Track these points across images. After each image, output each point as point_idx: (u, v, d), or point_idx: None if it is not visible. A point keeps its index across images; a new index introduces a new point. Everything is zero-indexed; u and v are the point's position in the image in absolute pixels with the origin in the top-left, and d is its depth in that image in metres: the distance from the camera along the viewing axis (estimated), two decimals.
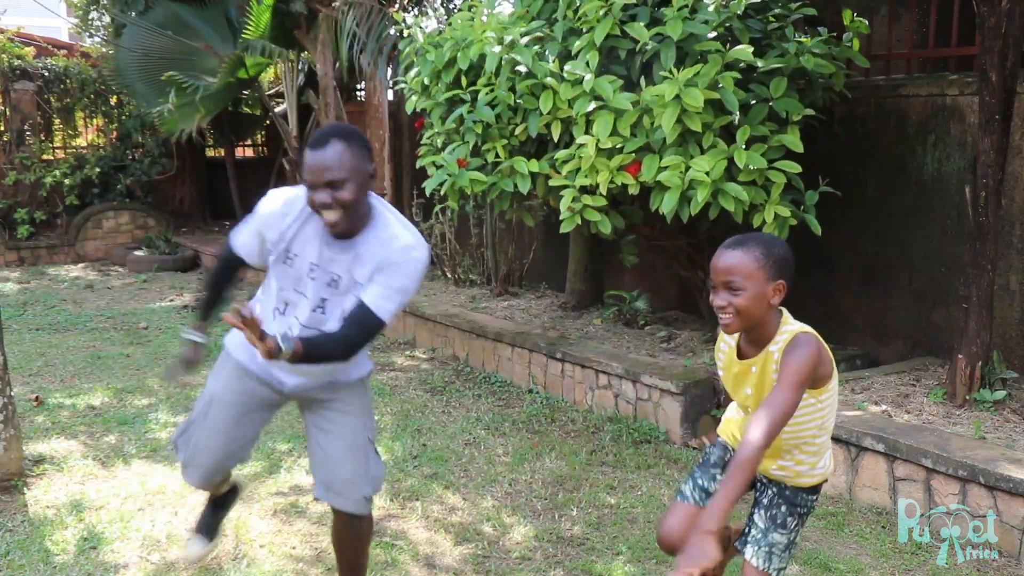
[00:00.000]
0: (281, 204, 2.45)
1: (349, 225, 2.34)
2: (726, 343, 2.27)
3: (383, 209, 2.45)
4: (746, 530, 2.31)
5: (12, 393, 3.88)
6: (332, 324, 2.45)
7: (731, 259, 2.05)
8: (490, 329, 5.87)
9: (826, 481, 2.33)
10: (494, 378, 5.71)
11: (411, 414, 4.98)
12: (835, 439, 3.81)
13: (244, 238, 2.56)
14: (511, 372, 5.69)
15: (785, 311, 2.17)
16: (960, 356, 4.09)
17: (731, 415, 2.46)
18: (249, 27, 8.61)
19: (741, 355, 2.20)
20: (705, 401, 4.58)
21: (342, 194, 2.27)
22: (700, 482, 2.38)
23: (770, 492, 2.30)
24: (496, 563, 3.25)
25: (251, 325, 2.13)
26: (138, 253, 10.45)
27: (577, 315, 6.32)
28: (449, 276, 7.80)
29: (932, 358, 4.86)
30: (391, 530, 3.51)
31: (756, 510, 2.32)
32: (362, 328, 2.35)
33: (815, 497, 2.30)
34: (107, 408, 5.02)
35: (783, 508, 2.26)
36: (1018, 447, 3.54)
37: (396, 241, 2.38)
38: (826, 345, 2.14)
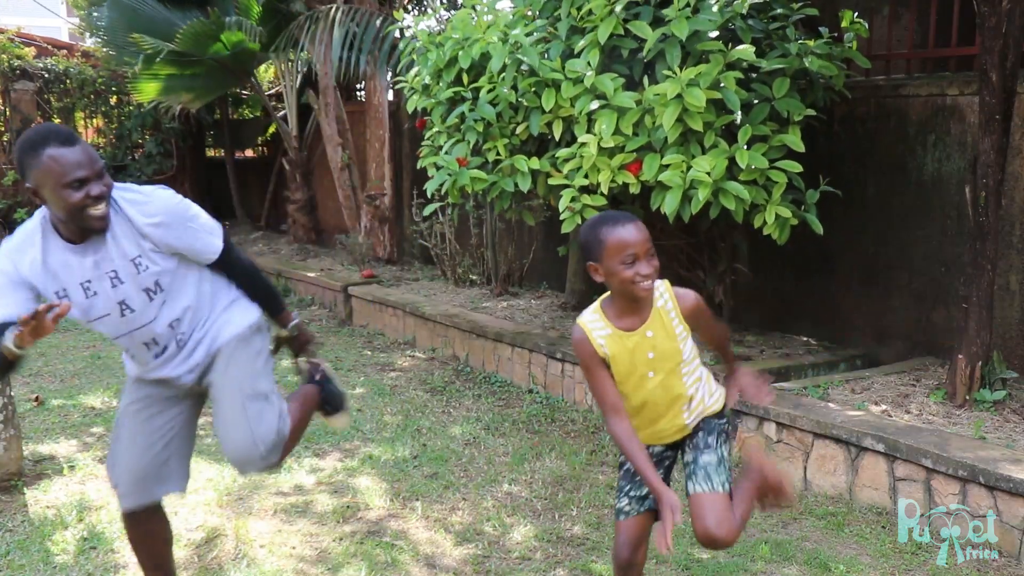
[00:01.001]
0: (16, 247, 2.35)
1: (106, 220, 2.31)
2: (602, 334, 2.31)
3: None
4: (685, 478, 2.43)
5: (12, 393, 3.89)
6: (146, 311, 2.43)
7: (640, 230, 2.23)
8: (490, 329, 5.87)
9: (727, 414, 2.49)
10: (494, 378, 5.71)
11: (411, 414, 4.98)
12: (834, 439, 3.81)
13: (2, 302, 2.33)
14: (511, 372, 5.69)
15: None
16: (960, 356, 4.09)
17: (631, 423, 2.40)
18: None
19: (628, 330, 2.31)
20: None
21: (104, 184, 2.26)
22: (632, 493, 2.46)
23: (686, 438, 2.45)
24: (496, 563, 3.25)
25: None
26: None
27: (577, 315, 6.31)
28: (449, 276, 7.80)
29: (932, 358, 4.86)
30: (391, 530, 3.51)
31: (682, 458, 2.46)
32: (236, 261, 2.57)
33: (724, 420, 2.46)
34: (107, 408, 5.02)
35: (700, 434, 2.40)
36: (1018, 447, 3.54)
37: (134, 206, 2.36)
38: None
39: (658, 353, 2.31)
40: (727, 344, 2.61)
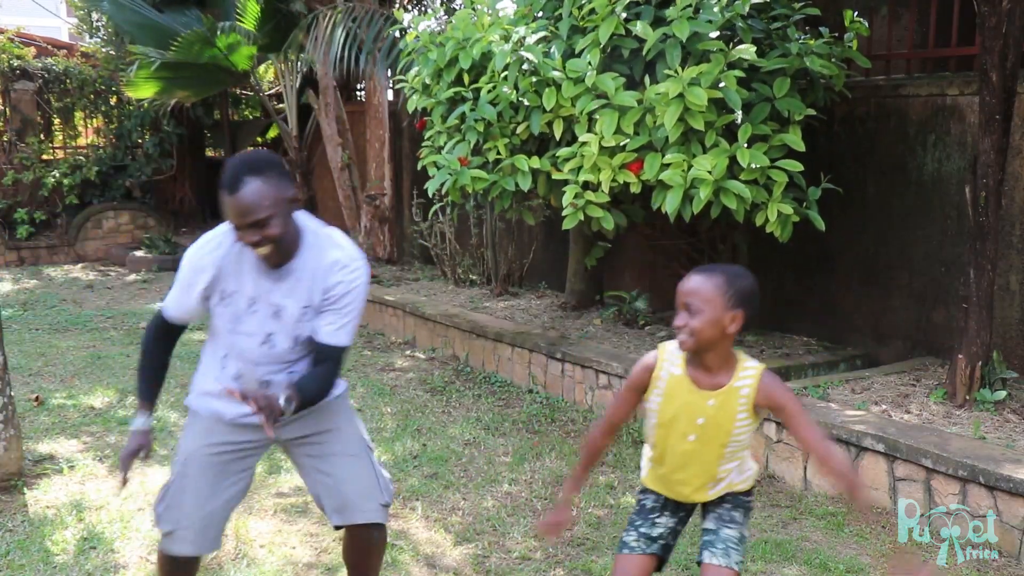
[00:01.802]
0: (209, 247, 2.41)
1: (282, 256, 2.33)
2: (668, 369, 2.25)
3: (311, 225, 2.43)
4: (701, 544, 2.33)
5: (12, 393, 3.89)
6: (284, 354, 2.40)
7: (694, 283, 2.15)
8: (490, 329, 5.87)
9: (754, 480, 2.40)
10: (494, 378, 5.71)
11: (411, 414, 4.98)
12: (835, 439, 3.81)
13: (177, 299, 2.45)
14: (511, 372, 5.68)
15: (738, 350, 2.24)
16: (960, 356, 4.09)
17: (650, 463, 2.40)
18: (243, 22, 8.63)
19: (697, 385, 2.22)
20: None
21: (269, 231, 2.24)
22: (642, 530, 2.38)
23: (712, 505, 2.35)
24: (496, 563, 3.25)
25: (257, 401, 2.15)
26: (138, 253, 10.46)
27: (577, 315, 6.32)
28: (449, 276, 7.80)
29: (932, 358, 4.86)
30: (391, 530, 3.51)
31: (703, 523, 2.36)
32: (333, 361, 2.38)
33: (751, 498, 2.38)
34: (107, 408, 5.02)
35: (726, 506, 2.33)
36: (1018, 447, 3.54)
37: (334, 263, 2.36)
38: None
39: (708, 424, 2.21)
40: (831, 464, 2.19)
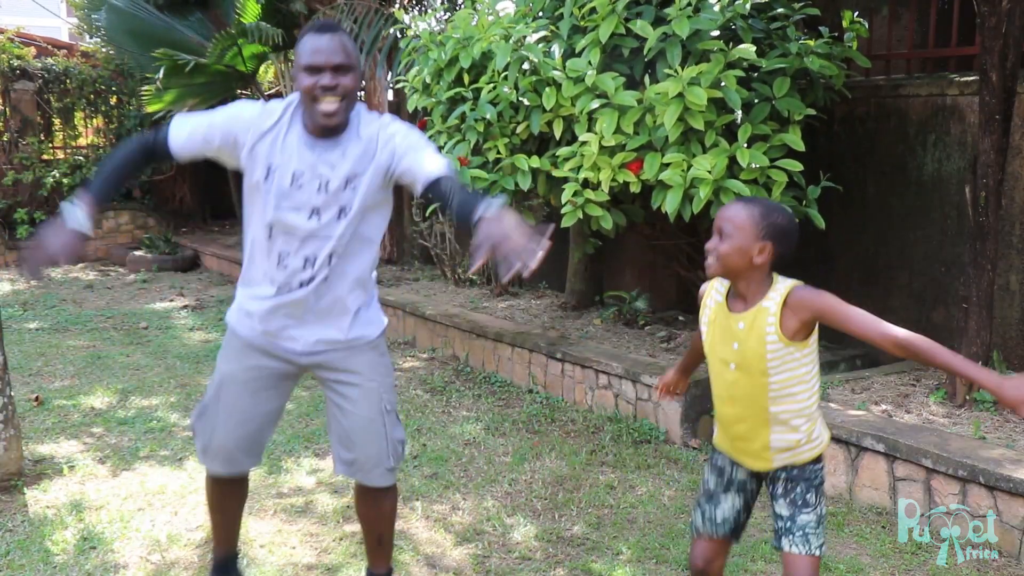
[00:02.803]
0: (262, 108, 2.39)
1: (344, 117, 2.32)
2: (714, 296, 2.31)
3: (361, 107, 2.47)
4: (776, 528, 2.31)
5: (12, 393, 3.88)
6: (328, 226, 2.38)
7: (731, 209, 2.19)
8: (490, 329, 5.87)
9: (825, 449, 2.34)
10: (494, 378, 5.71)
11: (411, 414, 4.98)
12: (835, 439, 3.81)
13: (192, 129, 2.40)
14: (511, 372, 5.69)
15: (777, 275, 2.22)
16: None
17: (718, 415, 2.41)
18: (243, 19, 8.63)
19: (730, 309, 2.25)
20: (705, 401, 4.57)
21: (345, 80, 2.27)
22: (710, 515, 2.40)
23: (780, 483, 2.30)
24: (497, 563, 3.25)
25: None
26: (138, 253, 10.45)
27: (577, 315, 6.32)
28: (449, 276, 7.80)
29: None
30: None
31: (774, 504, 2.32)
32: (460, 183, 2.30)
33: (821, 466, 2.30)
34: (107, 408, 5.02)
35: (799, 488, 2.27)
36: (1018, 447, 3.54)
37: (378, 128, 2.38)
38: None
39: (742, 350, 2.20)
40: (918, 353, 2.02)
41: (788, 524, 2.26)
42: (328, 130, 2.33)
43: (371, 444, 2.57)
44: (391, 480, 2.64)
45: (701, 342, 2.41)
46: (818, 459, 2.30)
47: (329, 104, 2.27)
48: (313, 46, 2.26)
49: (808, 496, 2.26)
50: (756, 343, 2.17)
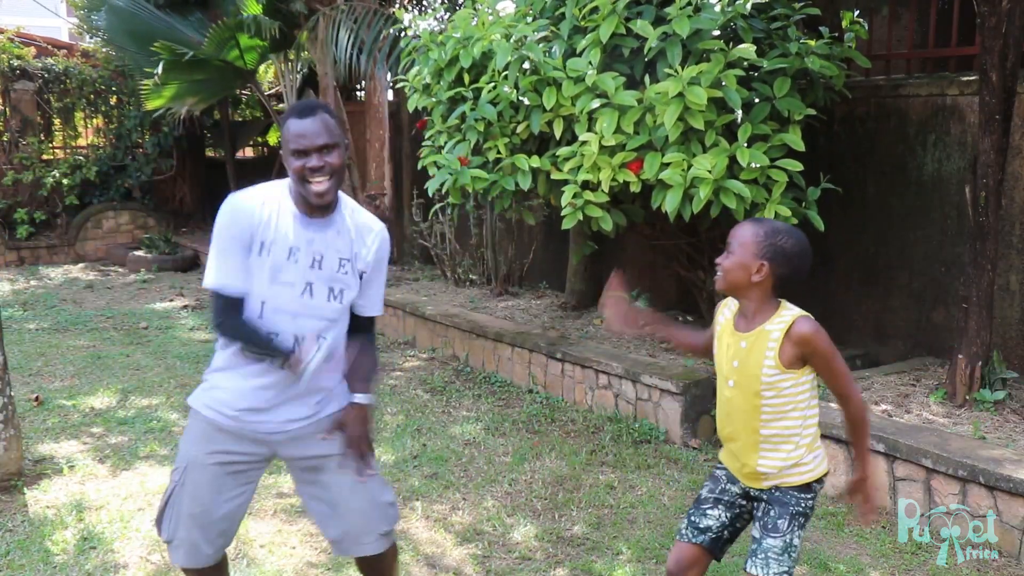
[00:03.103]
0: (254, 202, 2.38)
1: (335, 194, 2.37)
2: (725, 313, 2.36)
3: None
4: (749, 550, 2.32)
5: (12, 393, 3.89)
6: (321, 306, 2.40)
7: (740, 226, 2.26)
8: (490, 329, 5.87)
9: (820, 482, 2.32)
10: (494, 378, 5.71)
11: (411, 414, 4.98)
12: (835, 439, 3.81)
13: (231, 269, 2.36)
14: (511, 372, 5.68)
15: (785, 301, 2.26)
16: (960, 356, 4.09)
17: (719, 431, 2.43)
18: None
19: (736, 328, 2.29)
20: (705, 401, 4.57)
21: (332, 159, 2.31)
22: (694, 520, 2.42)
23: (762, 505, 2.32)
24: (497, 563, 3.25)
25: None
26: (138, 253, 10.45)
27: (577, 315, 6.32)
28: (449, 276, 7.80)
29: (932, 358, 4.86)
30: None
31: (752, 526, 2.35)
32: (372, 332, 2.51)
33: (809, 496, 2.29)
34: (107, 408, 5.02)
35: (772, 512, 2.28)
36: (1018, 447, 3.54)
37: (372, 229, 2.46)
38: None
39: (741, 368, 2.24)
40: (850, 422, 2.31)
41: (755, 546, 2.28)
42: (321, 208, 2.39)
43: (356, 511, 2.47)
44: (386, 545, 2.53)
45: (702, 340, 2.46)
46: (806, 488, 2.29)
47: (319, 184, 2.31)
48: (297, 130, 2.30)
49: (779, 521, 2.26)
50: (754, 365, 2.21)
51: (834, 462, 3.84)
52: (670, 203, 4.15)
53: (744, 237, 2.21)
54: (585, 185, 4.55)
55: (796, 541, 2.26)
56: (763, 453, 2.27)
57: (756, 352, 2.21)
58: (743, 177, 4.14)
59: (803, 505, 2.27)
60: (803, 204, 4.38)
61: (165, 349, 6.41)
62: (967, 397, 4.07)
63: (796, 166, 4.20)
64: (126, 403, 5.10)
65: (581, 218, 4.57)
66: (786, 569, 2.24)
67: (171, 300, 8.44)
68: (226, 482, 2.44)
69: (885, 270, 5.13)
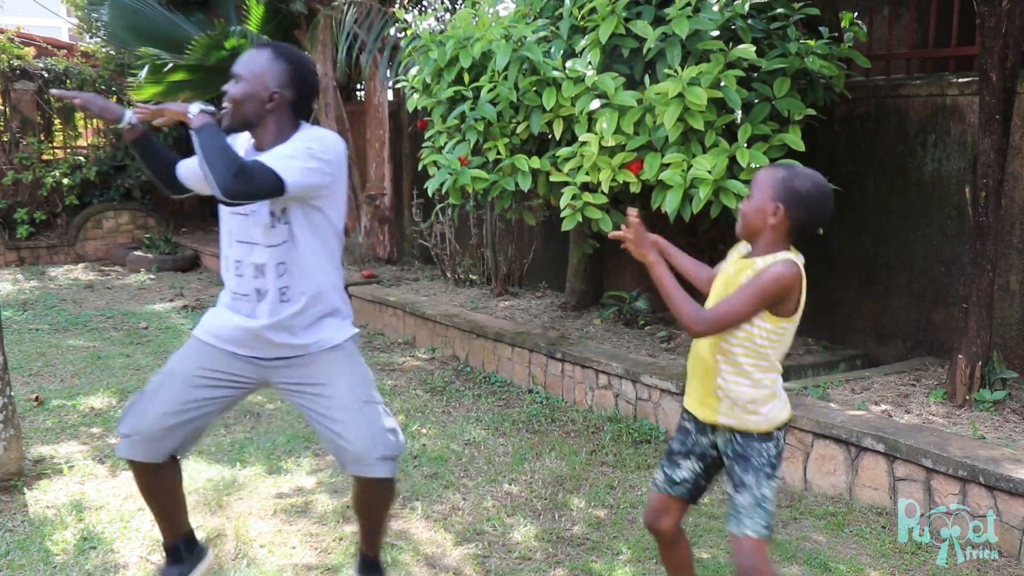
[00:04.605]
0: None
1: (237, 121, 2.47)
2: (734, 253, 2.41)
3: (313, 128, 2.54)
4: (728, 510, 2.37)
5: (12, 393, 3.89)
6: (267, 229, 2.46)
7: (761, 171, 2.29)
8: (490, 329, 5.87)
9: (782, 429, 2.32)
10: (494, 378, 5.71)
11: (411, 414, 4.98)
12: (835, 439, 3.81)
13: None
14: (511, 372, 5.69)
15: (794, 248, 2.29)
16: (960, 356, 4.10)
17: (689, 360, 2.46)
18: (248, 24, 8.61)
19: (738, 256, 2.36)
20: None
21: (232, 88, 2.43)
22: (668, 473, 2.47)
23: (728, 459, 2.33)
24: (497, 563, 3.25)
25: (157, 112, 2.44)
26: (138, 253, 10.46)
27: (577, 315, 6.32)
28: (449, 276, 7.80)
29: (932, 358, 4.86)
30: (392, 530, 3.51)
31: (726, 482, 2.38)
32: (253, 166, 2.33)
33: (771, 444, 2.29)
34: (107, 408, 5.02)
35: (737, 467, 2.30)
36: (1018, 447, 3.54)
37: (304, 133, 2.50)
38: (803, 282, 2.27)
39: (724, 289, 2.29)
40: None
41: (730, 504, 2.31)
42: (229, 128, 2.49)
43: (354, 439, 2.52)
44: (387, 471, 2.57)
45: (706, 275, 2.52)
46: (767, 437, 2.29)
47: (224, 105, 2.47)
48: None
49: (745, 476, 2.28)
50: (731, 287, 2.27)
51: (833, 463, 3.85)
52: (670, 203, 4.15)
53: (761, 180, 2.25)
54: (585, 187, 4.55)
55: (766, 492, 2.27)
56: (720, 381, 2.29)
57: (736, 278, 2.27)
58: (743, 177, 4.14)
59: (766, 455, 2.29)
60: None
61: (165, 349, 6.41)
62: (967, 397, 4.07)
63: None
64: (126, 403, 5.10)
65: (580, 220, 4.57)
66: (761, 522, 2.26)
67: (171, 300, 8.44)
68: (201, 390, 2.57)
69: (885, 270, 5.13)
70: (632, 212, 2.32)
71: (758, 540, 2.25)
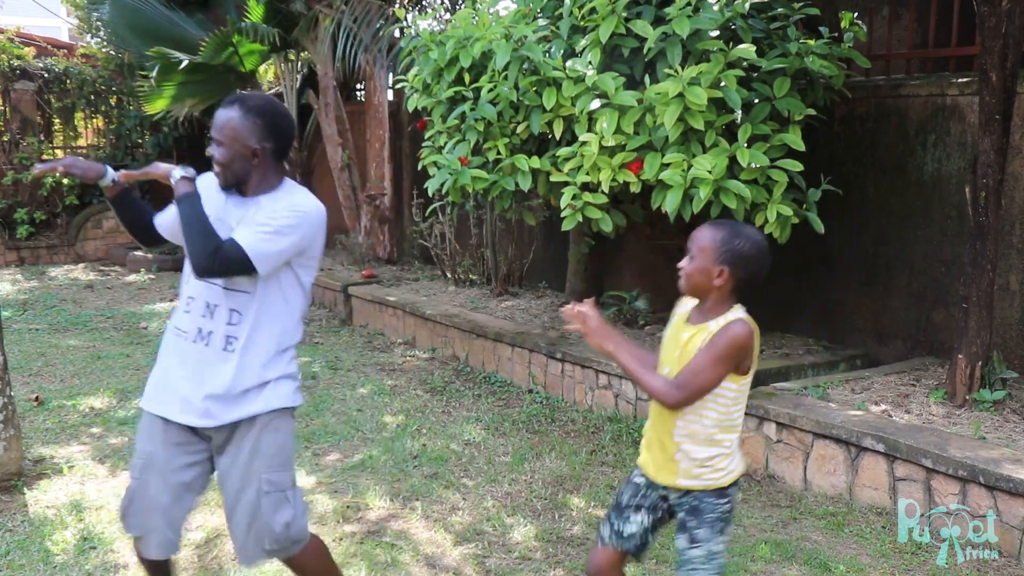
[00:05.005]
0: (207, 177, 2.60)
1: (230, 182, 2.48)
2: (682, 307, 2.38)
3: (296, 187, 2.54)
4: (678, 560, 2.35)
5: (12, 393, 3.89)
6: (233, 280, 2.45)
7: (700, 231, 2.28)
8: (490, 329, 5.87)
9: (735, 486, 2.32)
10: (494, 378, 5.71)
11: (411, 414, 4.98)
12: (835, 439, 3.81)
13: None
14: (511, 372, 5.68)
15: (740, 305, 2.28)
16: (960, 356, 4.09)
17: (647, 433, 2.44)
18: (247, 20, 8.60)
19: (688, 320, 2.32)
20: None
21: (216, 153, 2.44)
22: (615, 526, 2.42)
23: (682, 514, 2.32)
24: (496, 562, 3.25)
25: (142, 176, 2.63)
26: (138, 253, 10.45)
27: None
28: (449, 276, 7.80)
29: (932, 358, 4.86)
30: (392, 530, 3.51)
31: (676, 537, 2.35)
32: (229, 248, 2.34)
33: (724, 501, 2.29)
34: (107, 408, 5.02)
35: (691, 523, 2.29)
36: (1018, 447, 3.54)
37: (288, 196, 2.48)
38: (758, 341, 2.25)
39: (679, 358, 2.24)
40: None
41: (681, 557, 2.30)
42: (225, 186, 2.50)
43: (237, 525, 2.46)
44: (255, 560, 2.49)
45: (654, 360, 2.41)
46: (720, 493, 2.29)
47: (216, 167, 2.48)
48: (215, 118, 2.47)
49: (698, 531, 2.27)
50: (687, 357, 2.23)
51: (833, 463, 3.85)
52: (670, 203, 4.15)
53: (704, 242, 2.24)
54: (585, 187, 4.55)
55: (718, 547, 2.28)
56: (679, 443, 2.27)
57: (692, 345, 2.24)
58: (743, 177, 4.14)
59: (719, 511, 2.28)
60: (803, 206, 4.38)
61: None
62: (967, 397, 4.07)
63: (796, 166, 4.20)
64: (126, 403, 5.10)
65: (581, 220, 4.57)
66: (717, 573, 2.27)
67: (171, 300, 8.44)
68: (185, 471, 2.50)
69: (885, 270, 5.13)
70: (587, 302, 2.30)
71: None
